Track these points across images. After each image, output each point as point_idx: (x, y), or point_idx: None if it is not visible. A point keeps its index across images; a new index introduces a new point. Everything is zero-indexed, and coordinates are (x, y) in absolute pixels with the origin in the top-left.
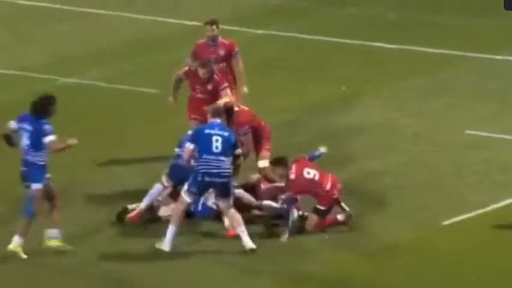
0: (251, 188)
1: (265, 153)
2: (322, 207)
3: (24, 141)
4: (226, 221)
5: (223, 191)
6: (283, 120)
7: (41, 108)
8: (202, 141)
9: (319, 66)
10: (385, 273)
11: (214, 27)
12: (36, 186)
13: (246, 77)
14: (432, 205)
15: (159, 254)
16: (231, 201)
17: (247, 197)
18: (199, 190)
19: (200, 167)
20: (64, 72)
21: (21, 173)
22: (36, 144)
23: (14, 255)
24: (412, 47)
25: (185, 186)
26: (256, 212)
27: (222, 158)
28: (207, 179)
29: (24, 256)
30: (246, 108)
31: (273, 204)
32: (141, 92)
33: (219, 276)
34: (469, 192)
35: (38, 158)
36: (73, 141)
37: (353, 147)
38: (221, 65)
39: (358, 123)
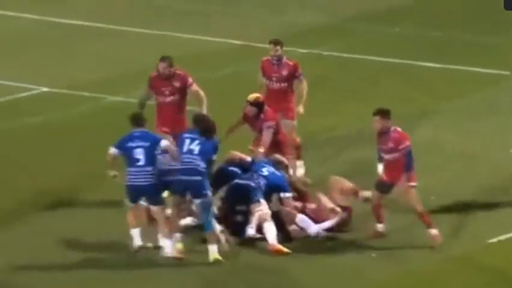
0: (301, 195)
1: (292, 161)
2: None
3: (194, 148)
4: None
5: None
6: (328, 138)
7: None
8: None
9: (365, 85)
10: None
11: (278, 47)
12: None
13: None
14: (477, 223)
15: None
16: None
17: (288, 212)
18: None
19: None
20: (111, 91)
21: (183, 184)
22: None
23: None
24: (459, 67)
25: None
26: (293, 227)
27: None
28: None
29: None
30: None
31: (309, 225)
32: (187, 110)
33: None
34: None
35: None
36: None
37: None
38: (282, 84)
39: None
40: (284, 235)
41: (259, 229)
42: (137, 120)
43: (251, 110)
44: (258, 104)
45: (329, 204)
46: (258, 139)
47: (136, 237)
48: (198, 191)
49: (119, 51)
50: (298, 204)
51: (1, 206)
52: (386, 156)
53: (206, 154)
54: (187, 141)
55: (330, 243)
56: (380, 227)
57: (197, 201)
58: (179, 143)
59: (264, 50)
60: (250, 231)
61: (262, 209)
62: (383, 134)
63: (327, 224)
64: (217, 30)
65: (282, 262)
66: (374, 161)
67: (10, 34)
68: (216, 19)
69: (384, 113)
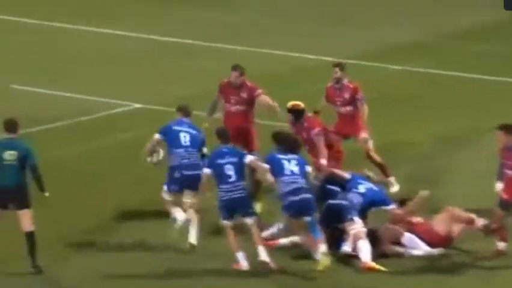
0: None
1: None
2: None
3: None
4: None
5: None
6: (411, 154)
7: (291, 141)
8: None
9: (454, 101)
10: None
11: (337, 69)
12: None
13: (366, 120)
14: None
15: None
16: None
17: (394, 230)
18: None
19: None
20: (203, 107)
21: (299, 204)
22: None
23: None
24: None
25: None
26: (393, 248)
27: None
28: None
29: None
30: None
31: (416, 246)
32: (275, 125)
33: None
34: None
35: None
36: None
37: (484, 185)
38: (348, 108)
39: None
40: (379, 252)
41: (355, 249)
42: (225, 136)
43: (288, 117)
44: (294, 111)
45: (464, 214)
46: (311, 150)
47: (242, 260)
48: (311, 209)
49: (212, 68)
50: (403, 213)
51: (90, 221)
52: (510, 172)
53: (304, 171)
54: (285, 162)
55: (430, 262)
56: (502, 245)
57: (308, 218)
58: (274, 164)
59: (352, 67)
60: (346, 248)
61: (356, 227)
62: (508, 149)
63: (435, 250)
64: (306, 47)
65: (377, 281)
66: (461, 174)
67: (105, 51)
68: (305, 36)
69: (508, 128)
